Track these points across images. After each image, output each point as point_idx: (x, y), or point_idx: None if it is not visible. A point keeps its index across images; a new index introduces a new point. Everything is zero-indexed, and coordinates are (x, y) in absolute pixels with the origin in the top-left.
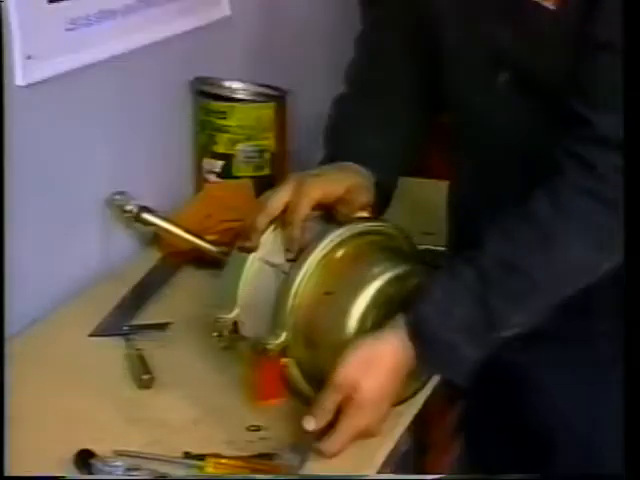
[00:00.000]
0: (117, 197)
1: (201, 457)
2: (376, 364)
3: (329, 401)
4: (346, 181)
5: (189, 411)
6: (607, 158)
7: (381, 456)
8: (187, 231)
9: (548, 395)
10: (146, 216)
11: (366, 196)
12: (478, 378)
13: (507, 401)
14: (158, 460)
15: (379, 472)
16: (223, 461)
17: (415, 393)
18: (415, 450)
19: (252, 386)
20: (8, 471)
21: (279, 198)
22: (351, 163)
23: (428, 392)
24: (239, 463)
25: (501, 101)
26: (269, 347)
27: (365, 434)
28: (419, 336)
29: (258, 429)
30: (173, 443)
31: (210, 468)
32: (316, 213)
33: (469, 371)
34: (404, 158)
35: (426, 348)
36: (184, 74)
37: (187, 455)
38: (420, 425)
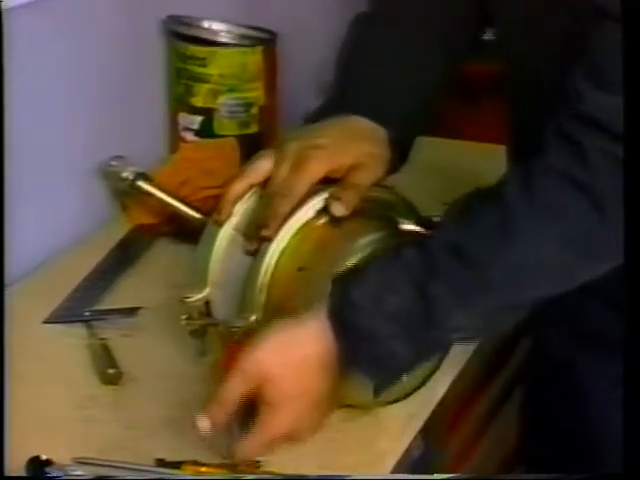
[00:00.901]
0: (114, 163)
1: (177, 464)
2: (294, 352)
3: (231, 392)
4: (355, 152)
5: (162, 410)
6: (593, 139)
7: (390, 462)
8: (184, 202)
9: (597, 398)
10: (142, 184)
11: (378, 170)
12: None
13: (557, 400)
14: (125, 468)
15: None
16: (203, 469)
17: (408, 394)
18: (431, 455)
19: (217, 377)
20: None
21: (262, 164)
22: (362, 120)
23: (444, 389)
24: (222, 471)
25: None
26: (235, 331)
27: (288, 438)
28: (342, 323)
29: None
30: (143, 448)
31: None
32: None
33: (397, 373)
34: (427, 110)
35: (348, 338)
36: (155, 11)
37: (160, 462)
38: (436, 427)
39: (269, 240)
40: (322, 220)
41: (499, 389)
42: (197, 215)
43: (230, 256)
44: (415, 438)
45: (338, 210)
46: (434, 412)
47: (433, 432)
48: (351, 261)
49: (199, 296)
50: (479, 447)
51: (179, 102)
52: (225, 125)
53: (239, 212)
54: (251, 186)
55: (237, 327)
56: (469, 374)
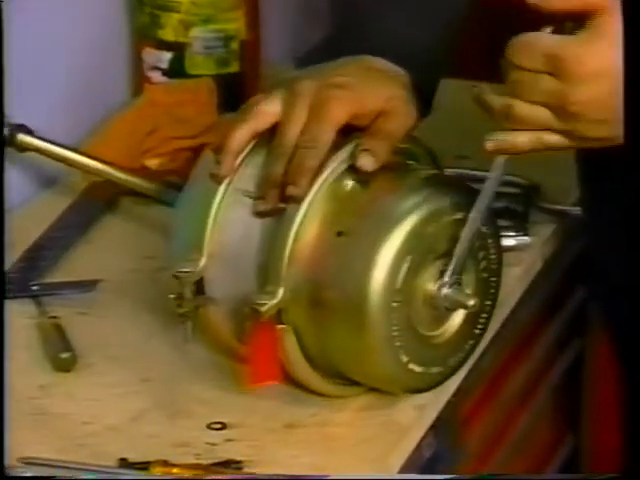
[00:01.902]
0: None
1: (143, 465)
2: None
3: None
4: (384, 95)
5: (126, 402)
6: None
7: (396, 461)
8: (94, 158)
9: None
10: (28, 139)
11: (411, 117)
12: None
13: None
14: (83, 469)
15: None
16: (174, 471)
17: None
18: (445, 455)
19: (240, 365)
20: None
21: (268, 107)
22: (381, 61)
23: (461, 376)
24: (195, 472)
25: None
26: (262, 310)
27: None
28: None
29: (223, 427)
30: (104, 447)
31: None
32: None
33: None
34: (448, 49)
35: None
36: None
37: (124, 463)
38: (451, 423)
39: (299, 200)
40: (354, 178)
41: (529, 372)
42: (113, 171)
43: (233, 221)
44: (426, 434)
45: (368, 163)
46: (448, 402)
47: (447, 426)
48: (407, 223)
49: (196, 269)
50: (504, 443)
51: (143, 35)
52: (199, 63)
53: (242, 166)
54: (255, 134)
55: (263, 304)
56: (491, 356)
